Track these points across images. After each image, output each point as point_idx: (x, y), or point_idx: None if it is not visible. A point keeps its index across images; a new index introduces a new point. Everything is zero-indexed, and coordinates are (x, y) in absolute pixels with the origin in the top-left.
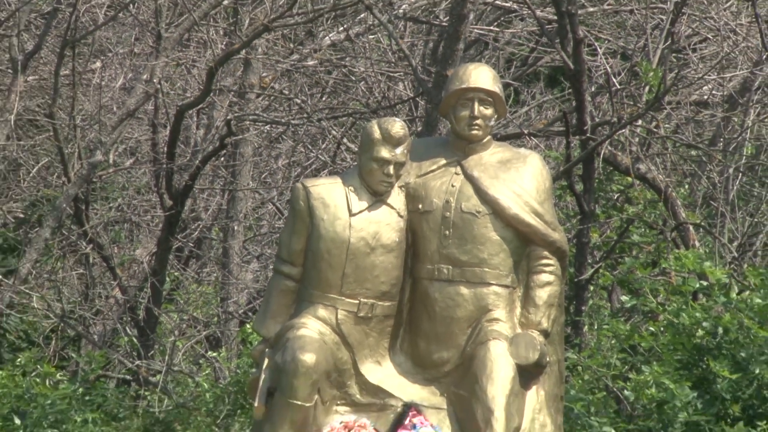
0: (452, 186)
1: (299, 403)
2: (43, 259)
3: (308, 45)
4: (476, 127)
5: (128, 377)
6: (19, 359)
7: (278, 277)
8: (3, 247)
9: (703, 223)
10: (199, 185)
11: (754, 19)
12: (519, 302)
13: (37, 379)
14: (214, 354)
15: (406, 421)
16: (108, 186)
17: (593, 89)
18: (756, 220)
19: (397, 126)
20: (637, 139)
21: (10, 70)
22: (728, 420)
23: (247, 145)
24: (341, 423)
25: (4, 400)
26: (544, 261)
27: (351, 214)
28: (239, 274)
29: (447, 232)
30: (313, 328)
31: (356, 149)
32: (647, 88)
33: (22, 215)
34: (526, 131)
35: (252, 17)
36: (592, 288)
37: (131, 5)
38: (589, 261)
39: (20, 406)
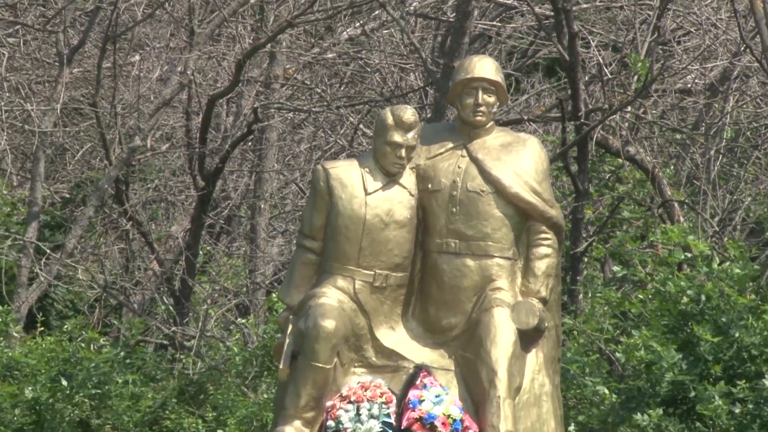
0: (459, 167)
1: (320, 365)
2: (87, 235)
3: (328, 39)
4: (480, 114)
5: (165, 342)
6: (66, 326)
7: (301, 251)
8: (51, 225)
9: (687, 201)
10: (229, 167)
11: (732, 14)
12: (520, 273)
13: (83, 344)
14: (243, 321)
15: (418, 382)
16: (146, 168)
17: (587, 79)
18: (735, 197)
19: (409, 113)
20: (626, 124)
21: (57, 63)
22: (710, 379)
23: (272, 130)
24: (358, 383)
25: (52, 363)
26: (543, 235)
27: (366, 193)
28: (265, 248)
29: (454, 209)
30: (332, 296)
31: (371, 134)
32: (636, 78)
33: (68, 195)
34: (525, 117)
35: (276, 14)
36: (586, 260)
37: (167, 3)
38: (584, 235)
39: (67, 368)
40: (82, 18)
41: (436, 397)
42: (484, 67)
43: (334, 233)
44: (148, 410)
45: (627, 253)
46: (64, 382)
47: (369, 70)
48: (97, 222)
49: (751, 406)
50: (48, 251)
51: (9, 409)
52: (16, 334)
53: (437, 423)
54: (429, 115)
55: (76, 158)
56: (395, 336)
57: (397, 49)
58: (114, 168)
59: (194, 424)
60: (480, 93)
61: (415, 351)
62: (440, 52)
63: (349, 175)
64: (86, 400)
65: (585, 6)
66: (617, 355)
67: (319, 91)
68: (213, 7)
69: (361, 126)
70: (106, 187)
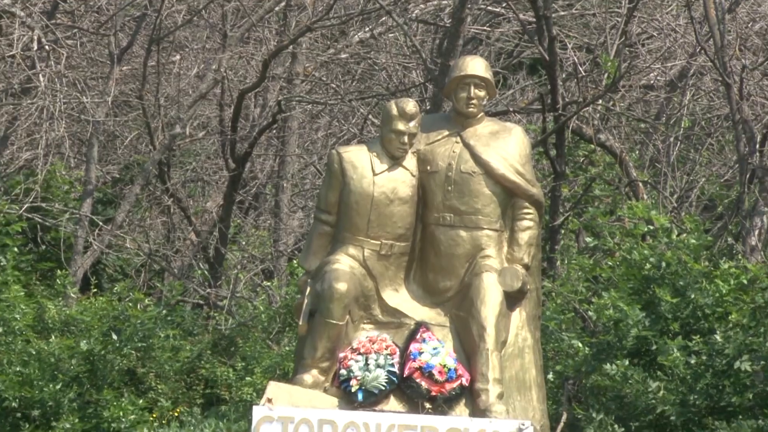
0: (453, 152)
1: (334, 322)
2: (134, 210)
3: (341, 42)
4: (472, 106)
5: (201, 302)
6: (115, 288)
7: (318, 224)
8: (103, 201)
9: (649, 181)
10: (256, 152)
11: (689, 20)
12: (506, 242)
13: (130, 304)
14: (268, 283)
15: (418, 336)
16: (185, 153)
17: (564, 76)
18: (691, 178)
19: (410, 105)
20: (598, 115)
21: (108, 62)
22: (669, 335)
23: (294, 120)
24: (367, 337)
25: (103, 320)
26: (525, 210)
27: (374, 174)
28: (287, 222)
29: (449, 188)
30: (345, 263)
31: (378, 123)
32: (606, 75)
33: (117, 176)
34: (511, 109)
35: (297, 20)
36: (563, 231)
37: (204, 11)
38: (561, 210)
39: (116, 324)
40: (131, 23)
41: (434, 349)
42: (476, 65)
43: (346, 208)
44: (186, 360)
45: (598, 226)
46: (114, 336)
47: (377, 68)
48: (143, 198)
49: (704, 357)
50: (100, 223)
51: (66, 359)
52: (73, 295)
53: (434, 371)
54: (428, 107)
55: (124, 144)
56: (398, 297)
57: (401, 50)
58: (157, 152)
59: (225, 373)
60: (472, 88)
61: (415, 310)
62: (438, 53)
63: (359, 158)
64: (133, 351)
65: (563, 13)
66: (590, 313)
67: (334, 86)
68: (243, 13)
69: (369, 116)
70: (151, 169)
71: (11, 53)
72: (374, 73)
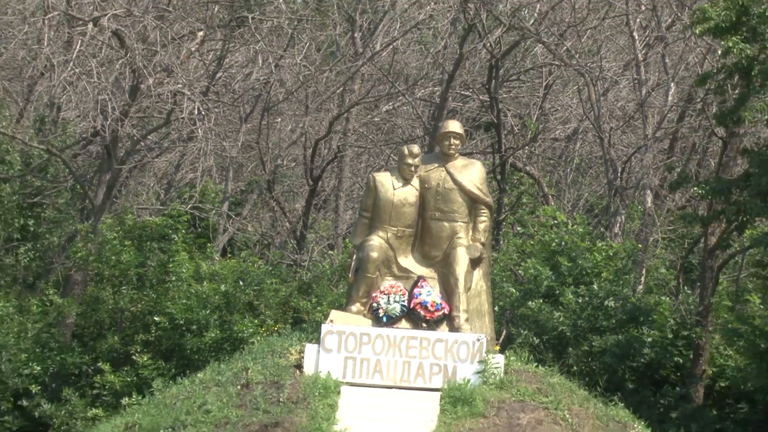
0: (440, 176)
1: (369, 275)
2: (253, 208)
3: (375, 110)
4: (452, 150)
5: (291, 263)
6: (242, 254)
7: (360, 218)
8: (234, 203)
9: (555, 194)
10: (325, 175)
11: (579, 100)
12: (471, 230)
13: (251, 264)
14: (331, 252)
15: (418, 284)
16: (283, 175)
17: (505, 132)
18: (579, 193)
19: (416, 149)
20: (525, 155)
21: (238, 121)
22: (566, 285)
23: (347, 156)
24: (389, 284)
25: (234, 273)
26: (482, 211)
27: (394, 189)
28: (343, 216)
29: (438, 197)
30: (376, 240)
31: (396, 159)
32: (530, 132)
33: (243, 188)
34: (474, 151)
35: (349, 98)
36: (504, 224)
37: (294, 92)
38: (503, 211)
39: (242, 276)
40: (252, 99)
41: (428, 292)
42: (454, 125)
43: (377, 209)
44: (282, 297)
45: (524, 221)
46: (240, 283)
47: (396, 126)
48: (258, 202)
49: (587, 298)
50: (233, 216)
51: (212, 295)
52: (216, 258)
53: (428, 305)
54: (426, 150)
55: (248, 170)
56: (407, 261)
57: (410, 116)
58: (267, 175)
59: (306, 305)
60: (452, 139)
61: (417, 268)
62: (432, 118)
63: (385, 180)
64: (251, 292)
65: (504, 96)
66: (519, 272)
67: (370, 137)
68: (317, 93)
69: (391, 155)
70: (263, 184)
71: (182, 115)
72: (394, 130)
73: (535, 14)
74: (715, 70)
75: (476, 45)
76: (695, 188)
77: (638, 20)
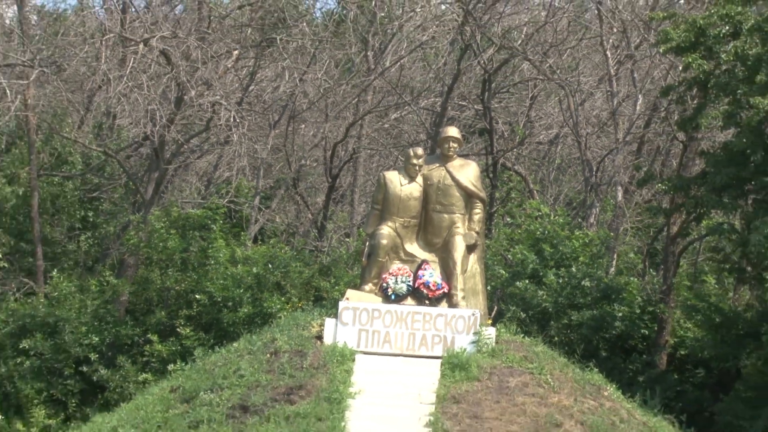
0: (441, 174)
1: (380, 259)
2: (280, 202)
3: (385, 118)
4: (450, 152)
5: (313, 249)
6: (271, 241)
7: (372, 210)
8: (264, 197)
9: (539, 189)
10: (342, 173)
11: (560, 109)
12: (467, 220)
13: (278, 249)
14: (348, 239)
15: (422, 267)
16: (306, 174)
17: (497, 137)
18: (560, 188)
19: (419, 150)
20: (514, 156)
21: (268, 128)
22: (549, 266)
23: (361, 158)
24: (396, 267)
25: (264, 257)
26: (477, 204)
27: (401, 185)
28: (357, 209)
29: (438, 193)
30: (386, 230)
31: (403, 160)
32: (518, 137)
33: (272, 184)
34: (470, 153)
35: (363, 108)
36: (495, 215)
37: (316, 102)
38: (495, 204)
39: (270, 259)
40: (279, 108)
41: (430, 273)
42: (452, 131)
43: (387, 203)
44: (305, 278)
45: (513, 212)
46: (270, 266)
47: (403, 132)
48: (285, 196)
49: (566, 279)
50: (263, 209)
51: (245, 276)
52: (248, 244)
53: (430, 284)
54: (429, 152)
55: (275, 168)
56: (412, 247)
57: (415, 122)
58: (292, 173)
59: (325, 285)
60: (450, 142)
61: (421, 253)
62: (433, 124)
63: (394, 177)
64: (279, 274)
65: (496, 106)
66: (509, 256)
67: (381, 141)
68: (336, 103)
69: (399, 156)
70: (288, 181)
71: (220, 122)
72: (401, 134)
73: (523, 35)
74: (676, 83)
75: (471, 62)
76: (659, 185)
77: (611, 40)
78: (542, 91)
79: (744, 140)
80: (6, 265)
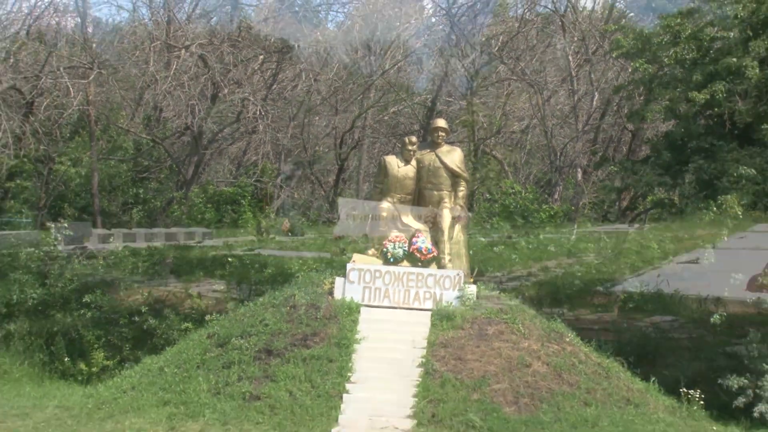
0: (431, 158)
1: (381, 228)
2: (298, 181)
3: (385, 113)
4: (439, 139)
5: (326, 220)
6: (291, 213)
7: (375, 188)
8: (285, 177)
9: (512, 171)
10: (349, 158)
11: (530, 104)
12: (453, 197)
13: (296, 220)
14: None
15: (416, 235)
16: (320, 158)
17: (477, 127)
18: (530, 170)
19: (414, 138)
20: (492, 143)
21: (287, 120)
22: (521, 235)
23: (365, 144)
24: (394, 235)
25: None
26: (461, 183)
27: (398, 167)
28: (362, 186)
29: (429, 173)
30: (386, 204)
31: (400, 146)
32: (495, 127)
33: (293, 166)
34: (455, 141)
35: (366, 103)
36: (477, 192)
37: (328, 98)
38: (476, 183)
39: (290, 228)
40: (297, 103)
41: (422, 241)
42: (441, 122)
43: (386, 182)
44: (320, 243)
45: (491, 190)
46: (290, 234)
47: (400, 123)
48: (303, 176)
49: (535, 245)
50: (284, 186)
51: (274, 245)
52: (272, 216)
53: (422, 249)
54: (421, 140)
55: (294, 153)
56: (408, 219)
57: (410, 114)
58: (308, 157)
59: (336, 249)
60: (439, 132)
61: (414, 223)
62: (425, 117)
63: (392, 161)
64: (299, 237)
65: (477, 102)
66: (487, 226)
67: (382, 131)
68: (344, 98)
69: (397, 144)
70: (305, 164)
71: (248, 115)
72: (399, 125)
73: (499, 43)
74: (626, 83)
75: (457, 65)
76: (612, 167)
77: (572, 47)
78: (515, 89)
79: (682, 129)
80: (72, 233)
